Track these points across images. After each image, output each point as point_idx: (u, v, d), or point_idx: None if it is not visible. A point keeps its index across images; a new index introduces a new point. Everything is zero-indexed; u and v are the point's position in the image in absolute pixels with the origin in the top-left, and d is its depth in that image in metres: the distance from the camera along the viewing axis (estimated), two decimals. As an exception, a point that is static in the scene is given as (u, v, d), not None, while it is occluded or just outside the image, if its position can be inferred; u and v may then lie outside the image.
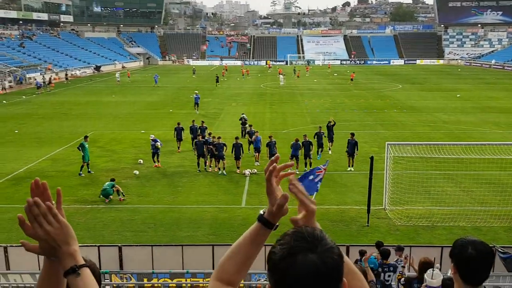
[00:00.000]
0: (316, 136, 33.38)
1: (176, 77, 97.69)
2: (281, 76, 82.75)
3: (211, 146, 31.13)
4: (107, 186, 26.06)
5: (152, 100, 62.41)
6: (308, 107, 55.98)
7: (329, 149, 34.62)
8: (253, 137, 32.17)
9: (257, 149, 31.76)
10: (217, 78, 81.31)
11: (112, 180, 26.65)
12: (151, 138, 32.86)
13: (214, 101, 61.23)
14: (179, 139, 35.62)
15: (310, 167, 29.70)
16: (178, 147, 35.50)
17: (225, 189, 27.65)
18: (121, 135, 41.52)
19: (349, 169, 30.87)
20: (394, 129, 43.12)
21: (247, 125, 38.79)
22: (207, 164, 31.15)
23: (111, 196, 25.91)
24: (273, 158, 2.79)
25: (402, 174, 26.24)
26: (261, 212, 2.75)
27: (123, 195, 26.14)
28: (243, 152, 31.22)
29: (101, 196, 25.95)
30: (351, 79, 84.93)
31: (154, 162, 32.32)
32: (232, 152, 31.18)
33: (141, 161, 32.77)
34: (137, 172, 31.54)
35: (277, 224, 2.74)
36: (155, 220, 23.05)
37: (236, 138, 31.34)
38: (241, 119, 40.59)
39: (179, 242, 19.38)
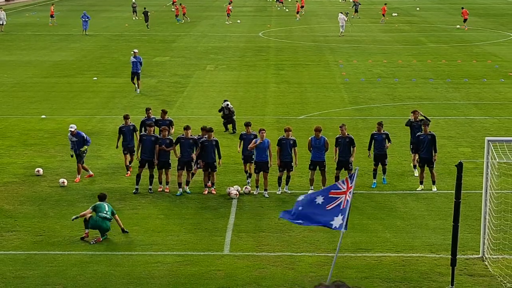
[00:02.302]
0: (373, 141, 19.84)
1: (105, 17, 66.65)
2: (341, 15, 52.14)
3: (164, 147, 19.22)
4: (104, 213, 15.95)
5: (62, 60, 41.89)
6: (346, 73, 37.73)
7: (415, 166, 20.63)
8: (253, 141, 19.13)
9: (261, 165, 18.99)
10: (146, 14, 55.18)
11: (102, 197, 16.37)
12: (72, 132, 19.67)
13: (173, 62, 41.28)
14: (128, 149, 20.55)
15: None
16: (128, 168, 20.62)
17: (193, 222, 17.71)
18: (2, 124, 27.21)
19: (419, 188, 20.23)
20: (501, 113, 29.27)
21: (234, 118, 24.84)
22: (164, 179, 19.25)
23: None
24: None
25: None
26: None
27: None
28: (220, 157, 19.28)
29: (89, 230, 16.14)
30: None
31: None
32: (199, 157, 19.28)
33: (40, 170, 20.75)
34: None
35: None
36: (65, 277, 14.96)
37: (204, 129, 19.54)
38: (222, 109, 25.13)
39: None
